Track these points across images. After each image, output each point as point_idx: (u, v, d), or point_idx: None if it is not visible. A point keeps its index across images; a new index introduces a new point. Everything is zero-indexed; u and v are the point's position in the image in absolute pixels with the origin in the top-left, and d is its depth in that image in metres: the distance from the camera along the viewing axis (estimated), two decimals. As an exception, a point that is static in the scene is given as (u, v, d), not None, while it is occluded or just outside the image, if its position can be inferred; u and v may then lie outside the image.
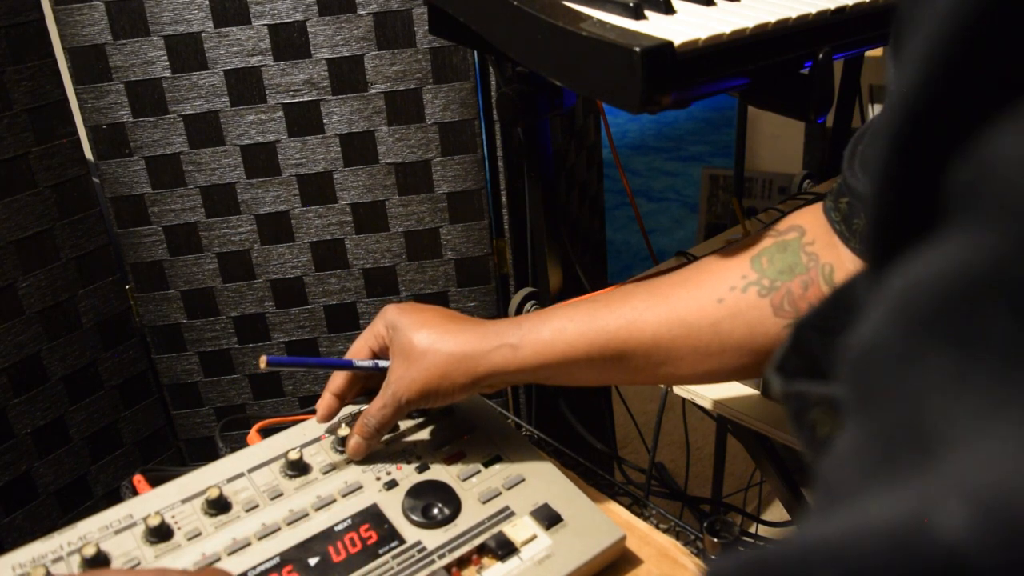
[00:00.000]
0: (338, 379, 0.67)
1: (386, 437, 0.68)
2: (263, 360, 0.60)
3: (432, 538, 0.59)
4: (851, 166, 0.55)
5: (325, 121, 1.07)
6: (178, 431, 1.22)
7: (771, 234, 0.59)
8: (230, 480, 0.63)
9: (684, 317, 0.58)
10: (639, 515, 0.69)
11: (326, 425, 0.68)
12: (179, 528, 0.59)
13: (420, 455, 0.66)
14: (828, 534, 0.18)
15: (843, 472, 0.20)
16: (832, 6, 0.65)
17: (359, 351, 0.66)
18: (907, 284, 0.20)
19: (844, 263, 0.56)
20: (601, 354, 0.59)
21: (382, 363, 0.65)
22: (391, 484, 0.63)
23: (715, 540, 0.66)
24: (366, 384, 0.68)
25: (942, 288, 0.18)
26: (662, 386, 0.90)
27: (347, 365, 0.65)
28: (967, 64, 0.19)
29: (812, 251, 0.57)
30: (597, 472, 0.75)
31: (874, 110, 1.71)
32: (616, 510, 0.69)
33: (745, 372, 0.60)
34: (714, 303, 0.57)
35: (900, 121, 0.20)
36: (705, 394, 0.85)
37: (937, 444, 0.17)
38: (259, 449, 0.67)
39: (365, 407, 0.65)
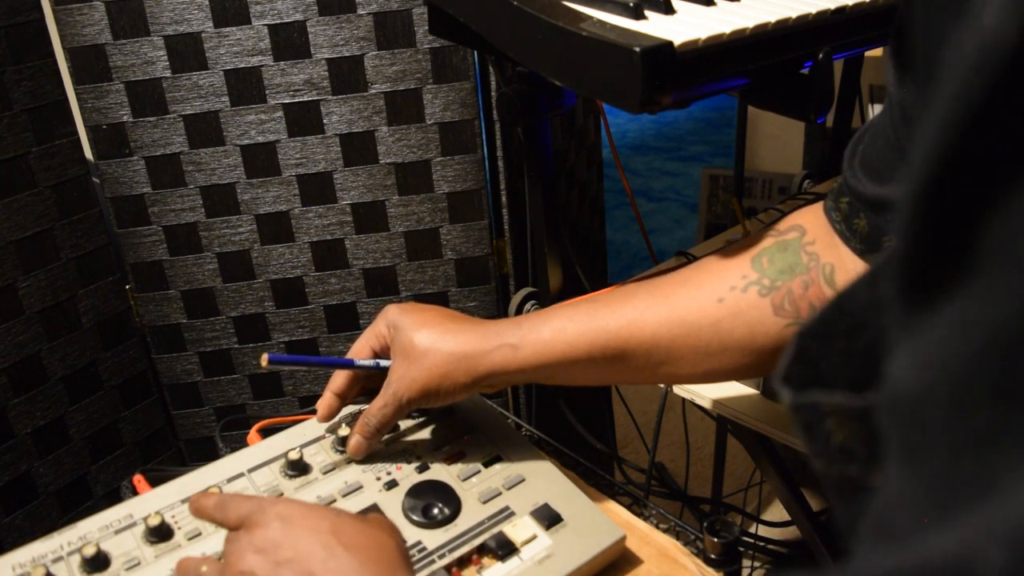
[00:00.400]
0: (339, 379, 0.67)
1: (386, 437, 0.68)
2: (264, 358, 0.60)
3: (432, 538, 0.59)
4: (851, 166, 0.55)
5: (325, 121, 1.07)
6: (178, 431, 1.22)
7: (771, 234, 0.59)
8: (230, 480, 0.63)
9: (685, 317, 0.58)
10: (639, 515, 0.69)
11: (327, 425, 0.68)
12: (179, 528, 0.59)
13: (420, 455, 0.66)
14: (887, 569, 0.20)
15: (896, 513, 0.22)
16: (832, 6, 0.65)
17: (361, 350, 0.66)
18: (946, 336, 0.21)
19: (845, 263, 0.56)
20: (602, 354, 0.60)
21: (383, 362, 0.65)
22: (391, 484, 0.63)
23: (715, 540, 0.66)
24: (367, 384, 0.68)
25: (981, 344, 0.19)
26: (662, 386, 0.90)
27: (348, 364, 0.65)
28: (998, 120, 0.19)
29: (813, 251, 0.57)
30: (597, 472, 0.75)
31: (874, 110, 1.71)
32: (616, 510, 0.69)
33: (745, 372, 0.60)
34: (714, 303, 0.58)
35: (926, 176, 0.21)
36: (705, 394, 0.85)
37: (982, 491, 0.19)
38: (259, 449, 0.67)
39: (365, 407, 0.65)
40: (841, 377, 0.32)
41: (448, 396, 0.62)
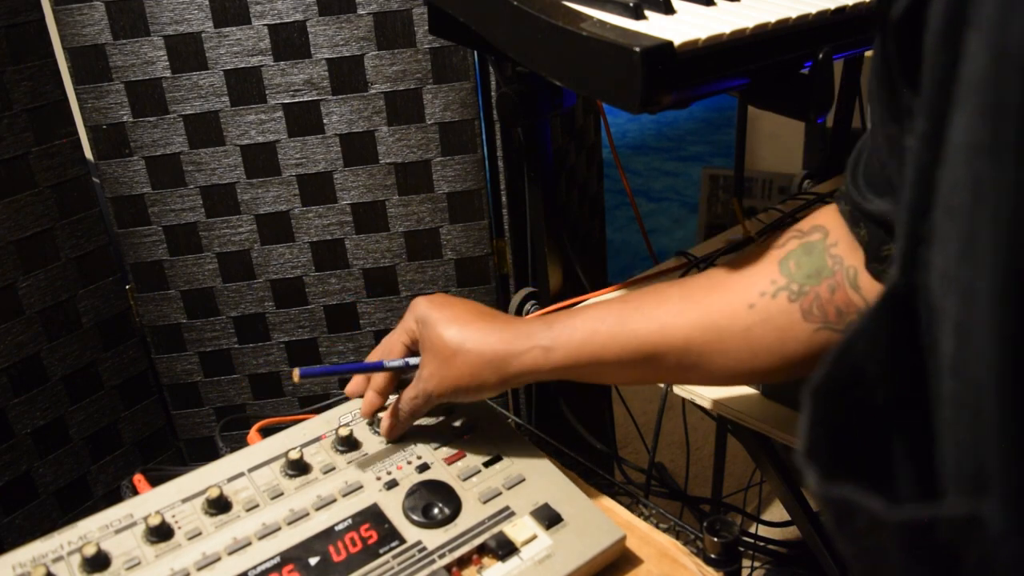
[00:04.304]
0: (379, 378, 0.69)
1: (386, 437, 0.68)
2: (296, 373, 0.61)
3: (432, 538, 0.59)
4: (854, 178, 0.54)
5: (325, 121, 1.07)
6: (178, 431, 1.22)
7: (795, 235, 0.59)
8: (230, 480, 0.63)
9: (717, 321, 0.58)
10: (639, 515, 0.69)
11: (327, 426, 0.69)
12: (179, 528, 0.59)
13: (420, 455, 0.66)
14: None
15: None
16: (832, 6, 0.65)
17: (392, 346, 0.68)
18: None
19: (864, 267, 0.56)
20: (632, 357, 0.60)
21: (412, 361, 0.67)
22: (391, 484, 0.63)
23: (715, 540, 0.66)
24: (405, 377, 0.69)
25: None
26: (662, 386, 0.90)
27: (378, 367, 0.67)
28: None
29: (836, 253, 0.57)
30: (597, 472, 0.75)
31: (874, 110, 1.70)
32: (616, 510, 0.69)
33: (774, 375, 0.60)
34: (745, 308, 0.58)
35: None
36: (705, 394, 0.85)
37: None
38: (259, 449, 0.67)
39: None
40: (866, 457, 0.30)
41: (476, 394, 0.63)
